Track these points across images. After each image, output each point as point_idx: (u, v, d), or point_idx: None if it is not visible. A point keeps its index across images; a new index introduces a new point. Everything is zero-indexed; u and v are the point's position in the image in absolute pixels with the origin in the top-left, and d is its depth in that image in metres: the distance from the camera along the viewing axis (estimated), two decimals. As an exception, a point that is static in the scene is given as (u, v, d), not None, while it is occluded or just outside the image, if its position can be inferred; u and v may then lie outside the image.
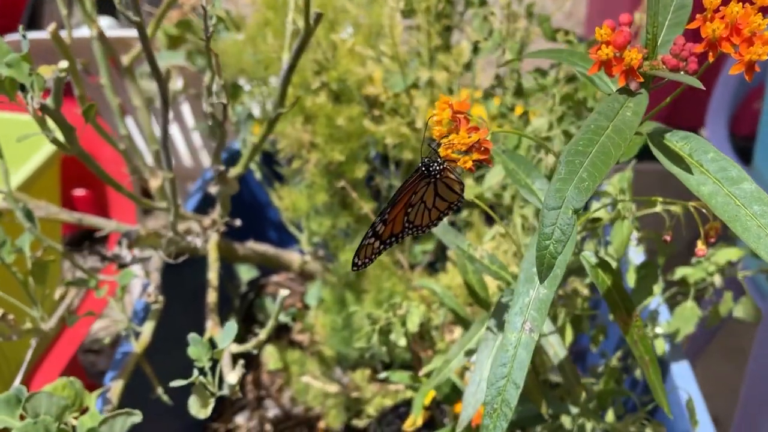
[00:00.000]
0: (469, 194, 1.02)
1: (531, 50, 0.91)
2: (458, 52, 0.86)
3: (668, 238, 0.56)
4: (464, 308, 0.78)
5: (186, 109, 1.47)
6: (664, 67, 0.41)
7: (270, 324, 0.67)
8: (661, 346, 0.84)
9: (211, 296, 0.88)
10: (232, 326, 0.61)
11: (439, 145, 0.47)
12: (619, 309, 0.55)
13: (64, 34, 0.92)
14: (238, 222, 1.03)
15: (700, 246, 0.53)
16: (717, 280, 0.79)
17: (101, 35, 0.86)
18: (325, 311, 1.14)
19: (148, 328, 0.84)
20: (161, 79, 0.60)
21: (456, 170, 0.52)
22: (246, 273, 1.32)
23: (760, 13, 0.39)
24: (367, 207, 0.96)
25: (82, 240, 1.75)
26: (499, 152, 0.61)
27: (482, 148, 0.45)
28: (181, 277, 1.05)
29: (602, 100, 0.42)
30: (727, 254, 0.78)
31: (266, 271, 1.42)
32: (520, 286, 0.48)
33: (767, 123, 1.54)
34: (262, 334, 0.69)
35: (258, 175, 1.28)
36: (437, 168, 0.51)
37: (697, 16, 0.41)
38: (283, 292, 0.67)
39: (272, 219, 1.40)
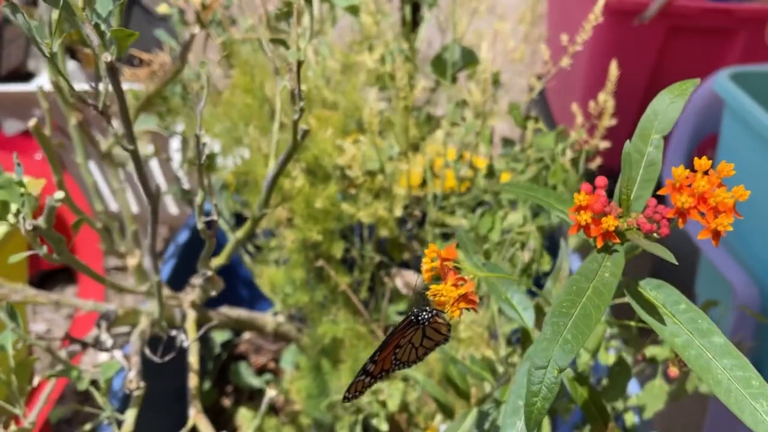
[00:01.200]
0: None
1: (495, 124, 0.94)
2: (434, 145, 0.90)
3: (675, 372, 0.60)
4: (446, 395, 0.81)
5: (155, 168, 1.48)
6: (638, 229, 0.44)
7: None
8: (631, 419, 0.88)
9: (193, 381, 0.89)
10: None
11: (427, 296, 0.50)
12: (597, 421, 0.58)
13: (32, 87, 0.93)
14: (213, 293, 1.04)
15: (672, 368, 0.57)
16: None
17: (80, 124, 0.87)
18: (301, 377, 1.16)
19: (130, 417, 0.85)
20: (150, 195, 0.62)
21: (443, 315, 0.55)
22: (219, 335, 1.33)
23: (724, 187, 0.42)
24: (344, 282, 0.99)
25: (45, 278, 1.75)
26: (479, 264, 0.64)
27: (470, 298, 0.48)
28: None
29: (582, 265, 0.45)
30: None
31: (238, 331, 1.43)
32: (506, 418, 0.51)
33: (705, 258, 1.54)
34: None
35: (230, 236, 1.29)
36: (427, 317, 0.54)
37: (667, 181, 0.44)
38: (271, 393, 0.69)
39: (244, 276, 1.41)
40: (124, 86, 0.57)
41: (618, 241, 0.45)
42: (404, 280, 1.12)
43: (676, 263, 0.41)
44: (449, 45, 1.00)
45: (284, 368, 1.22)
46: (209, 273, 0.69)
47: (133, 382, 0.88)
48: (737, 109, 1.48)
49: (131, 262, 1.00)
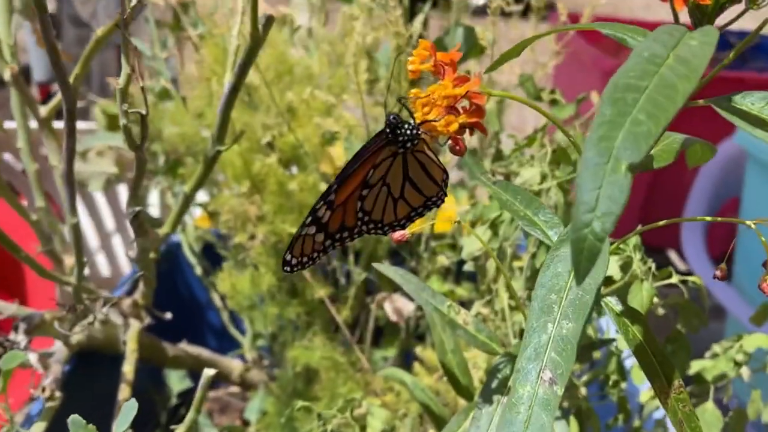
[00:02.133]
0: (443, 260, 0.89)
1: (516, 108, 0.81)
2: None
3: (720, 273, 0.42)
4: (439, 405, 0.63)
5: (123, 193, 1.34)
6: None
7: None
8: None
9: (124, 392, 0.71)
10: (132, 406, 0.45)
11: (408, 100, 0.34)
12: (657, 375, 0.41)
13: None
14: (168, 315, 0.87)
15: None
16: (745, 373, 0.65)
17: (16, 78, 0.73)
18: (267, 427, 0.96)
19: (36, 430, 0.66)
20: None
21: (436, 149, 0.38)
22: (177, 383, 1.13)
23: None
24: (321, 292, 0.82)
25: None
26: (490, 183, 0.48)
27: (473, 107, 0.33)
28: (94, 375, 0.88)
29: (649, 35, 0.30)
30: (757, 341, 0.65)
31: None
32: (533, 320, 0.34)
33: (744, 238, 1.47)
34: None
35: (198, 270, 1.13)
36: (409, 133, 0.37)
37: None
38: None
39: (212, 323, 1.23)
40: None
41: (708, 1, 0.30)
42: (394, 305, 0.94)
43: None
44: (450, 28, 0.89)
45: (249, 419, 1.02)
46: (137, 208, 0.53)
47: (47, 389, 0.70)
48: (763, 157, 1.36)
49: (69, 261, 0.83)
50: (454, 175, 1.17)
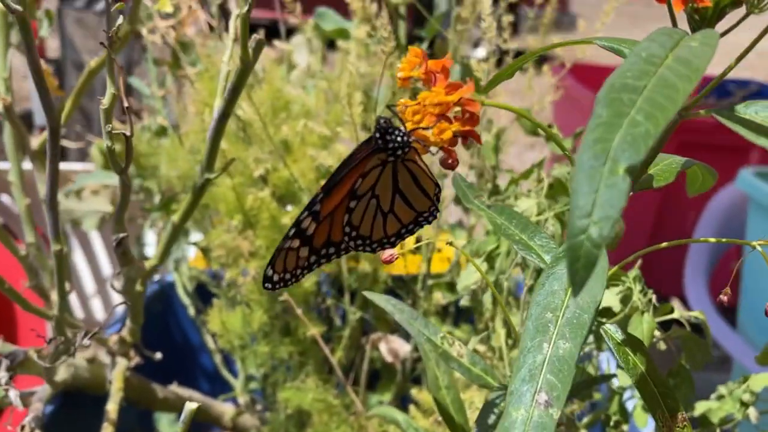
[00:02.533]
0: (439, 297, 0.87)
1: (513, 148, 0.80)
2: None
3: (725, 297, 0.40)
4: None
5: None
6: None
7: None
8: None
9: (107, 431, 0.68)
10: None
11: (397, 112, 0.32)
12: (659, 406, 0.38)
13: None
14: (158, 355, 0.84)
15: None
16: (752, 414, 0.62)
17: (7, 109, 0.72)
18: (258, 474, 0.92)
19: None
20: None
21: (425, 162, 0.37)
22: (167, 427, 1.09)
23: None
24: (315, 330, 0.79)
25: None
26: (484, 207, 0.46)
27: (466, 115, 0.31)
28: (79, 416, 0.85)
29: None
30: (765, 380, 0.62)
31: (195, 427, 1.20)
32: (527, 340, 0.32)
33: (748, 286, 1.45)
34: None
35: (191, 311, 1.10)
36: (400, 140, 0.35)
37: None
38: None
39: (205, 365, 1.20)
40: None
41: (708, 3, 0.29)
42: (389, 346, 0.92)
43: None
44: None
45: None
46: (122, 235, 0.52)
47: (26, 428, 0.67)
48: (765, 201, 1.35)
49: (55, 296, 0.81)
50: (452, 214, 1.16)
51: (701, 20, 0.31)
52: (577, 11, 6.85)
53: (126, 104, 0.44)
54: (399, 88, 0.80)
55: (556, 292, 0.33)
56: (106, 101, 0.45)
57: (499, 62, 0.83)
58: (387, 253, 0.38)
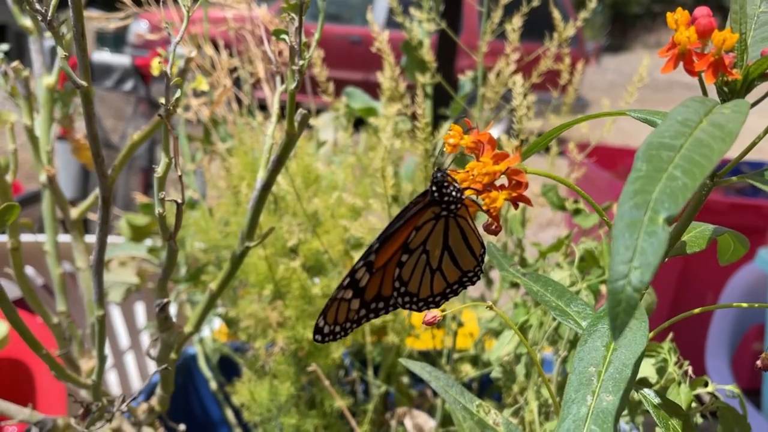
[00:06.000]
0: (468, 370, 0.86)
1: (527, 227, 0.81)
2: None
3: (762, 363, 0.41)
4: None
5: (140, 311, 1.34)
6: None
7: None
8: None
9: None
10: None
11: (446, 172, 0.34)
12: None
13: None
14: (182, 427, 0.84)
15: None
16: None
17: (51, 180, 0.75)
18: None
19: None
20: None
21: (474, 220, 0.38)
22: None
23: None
24: (342, 402, 0.79)
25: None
26: (519, 275, 0.47)
27: (513, 183, 0.33)
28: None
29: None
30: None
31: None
32: (571, 392, 0.33)
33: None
34: None
35: (213, 385, 1.10)
36: (454, 194, 0.36)
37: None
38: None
39: (225, 441, 1.19)
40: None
41: (738, 76, 0.31)
42: (414, 421, 0.91)
43: None
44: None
45: None
46: (164, 300, 0.53)
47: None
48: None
49: (85, 366, 0.82)
50: (474, 290, 1.16)
51: (730, 92, 0.33)
52: (586, 95, 7.01)
53: (179, 173, 0.47)
54: (425, 161, 0.82)
55: (598, 348, 0.34)
56: (160, 170, 0.47)
57: (520, 141, 0.86)
58: (430, 315, 0.39)
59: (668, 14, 0.31)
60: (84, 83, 0.45)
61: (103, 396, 0.71)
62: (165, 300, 0.53)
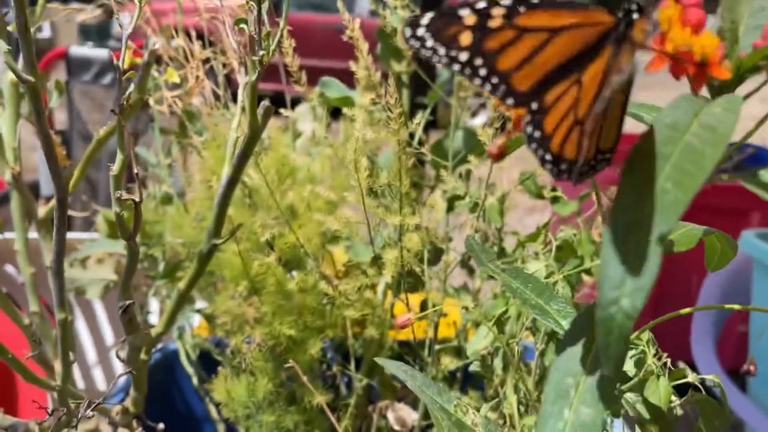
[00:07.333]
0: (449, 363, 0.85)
1: (513, 212, 0.80)
2: (431, 203, 0.75)
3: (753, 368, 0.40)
4: None
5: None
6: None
7: None
8: None
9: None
10: None
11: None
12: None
13: None
14: (161, 426, 0.83)
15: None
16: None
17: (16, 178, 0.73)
18: None
19: None
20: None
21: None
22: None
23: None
24: (321, 398, 0.78)
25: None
26: (498, 270, 0.46)
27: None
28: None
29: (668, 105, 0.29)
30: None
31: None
32: (548, 405, 0.31)
33: (758, 350, 1.43)
34: None
35: (195, 380, 1.09)
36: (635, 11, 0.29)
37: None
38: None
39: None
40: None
41: (728, 75, 0.29)
42: (397, 414, 0.90)
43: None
44: (451, 130, 0.89)
45: None
46: (128, 302, 0.51)
47: (25, 503, 0.65)
48: (770, 261, 1.35)
49: (59, 367, 0.80)
50: (456, 278, 1.15)
51: (720, 86, 0.31)
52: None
53: (135, 171, 0.45)
54: (401, 151, 0.81)
55: (575, 356, 0.33)
56: (116, 168, 0.45)
57: (502, 129, 0.84)
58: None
59: (661, 11, 0.29)
60: (31, 78, 0.43)
61: (74, 399, 0.70)
62: (128, 302, 0.52)
